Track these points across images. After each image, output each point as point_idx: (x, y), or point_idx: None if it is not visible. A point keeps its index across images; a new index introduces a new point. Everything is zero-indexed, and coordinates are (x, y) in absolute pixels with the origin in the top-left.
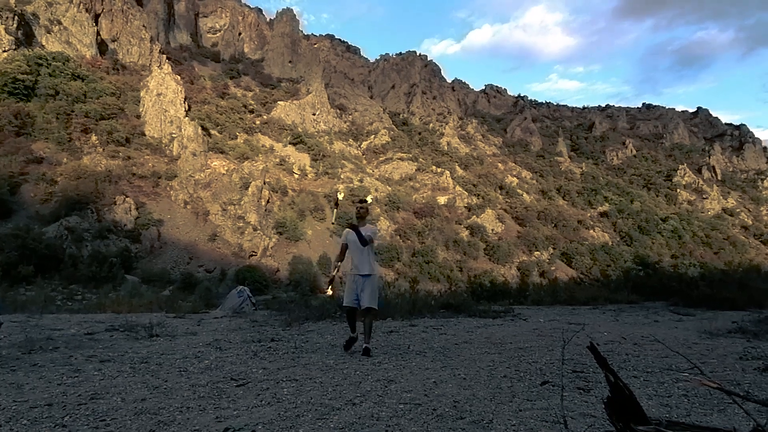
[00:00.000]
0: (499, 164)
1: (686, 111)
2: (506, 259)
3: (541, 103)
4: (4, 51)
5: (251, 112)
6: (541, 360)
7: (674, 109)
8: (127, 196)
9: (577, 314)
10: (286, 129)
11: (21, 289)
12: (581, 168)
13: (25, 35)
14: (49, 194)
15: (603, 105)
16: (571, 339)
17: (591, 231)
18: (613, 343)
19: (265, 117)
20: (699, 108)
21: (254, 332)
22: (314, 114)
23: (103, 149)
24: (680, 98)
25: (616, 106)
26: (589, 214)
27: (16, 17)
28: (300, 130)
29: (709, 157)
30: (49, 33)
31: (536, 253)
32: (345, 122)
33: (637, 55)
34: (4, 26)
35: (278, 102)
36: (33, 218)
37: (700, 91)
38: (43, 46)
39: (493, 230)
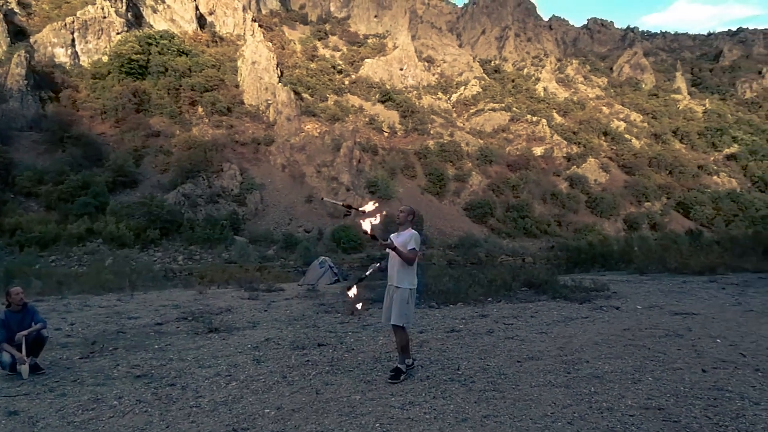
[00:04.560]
0: (604, 108)
1: None
2: (611, 212)
3: (656, 34)
4: (118, 33)
5: (340, 72)
6: (618, 405)
7: None
8: (231, 163)
9: (687, 292)
10: (374, 87)
11: (150, 250)
12: (704, 105)
13: (135, 17)
14: (166, 164)
15: (734, 29)
16: (668, 355)
17: (714, 177)
18: (724, 368)
19: (353, 76)
20: None
21: (310, 327)
22: (401, 69)
23: (209, 119)
24: None
25: (751, 28)
26: (712, 158)
27: (124, 0)
28: (388, 86)
29: None
30: (156, 12)
31: (647, 203)
32: (433, 75)
33: None
34: (114, 9)
35: (365, 60)
36: (155, 187)
37: None
38: (151, 25)
39: (595, 180)
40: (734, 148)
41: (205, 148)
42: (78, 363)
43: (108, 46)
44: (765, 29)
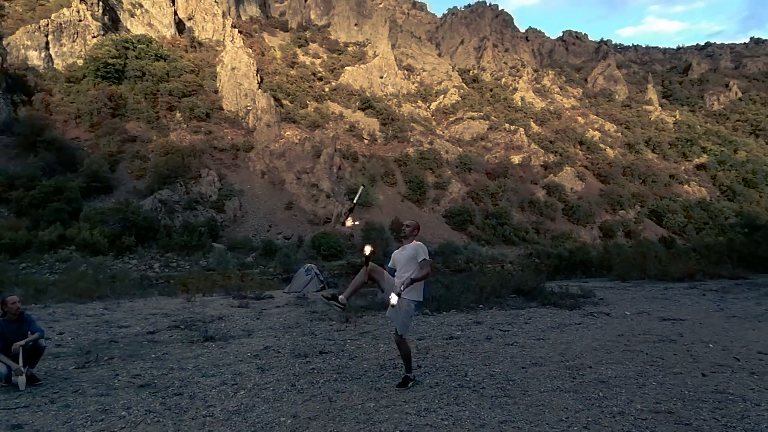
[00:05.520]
0: (579, 118)
1: None
2: (587, 220)
3: (628, 47)
4: (94, 37)
5: (320, 79)
6: (629, 409)
7: None
8: (210, 169)
9: (670, 299)
10: (354, 94)
11: (125, 257)
12: (674, 116)
13: (111, 20)
14: (142, 170)
15: (702, 43)
16: (666, 360)
17: (685, 186)
18: (722, 372)
19: (333, 83)
20: None
21: (307, 335)
22: (381, 77)
23: (187, 125)
24: None
25: (718, 43)
26: (683, 168)
27: (101, 3)
28: (368, 94)
29: None
30: (133, 16)
31: (621, 211)
32: (413, 83)
33: None
34: (90, 12)
35: (346, 68)
36: (131, 193)
37: None
38: (128, 29)
39: (572, 189)
40: (703, 158)
41: (182, 154)
42: (75, 373)
43: (83, 50)
44: (731, 44)
